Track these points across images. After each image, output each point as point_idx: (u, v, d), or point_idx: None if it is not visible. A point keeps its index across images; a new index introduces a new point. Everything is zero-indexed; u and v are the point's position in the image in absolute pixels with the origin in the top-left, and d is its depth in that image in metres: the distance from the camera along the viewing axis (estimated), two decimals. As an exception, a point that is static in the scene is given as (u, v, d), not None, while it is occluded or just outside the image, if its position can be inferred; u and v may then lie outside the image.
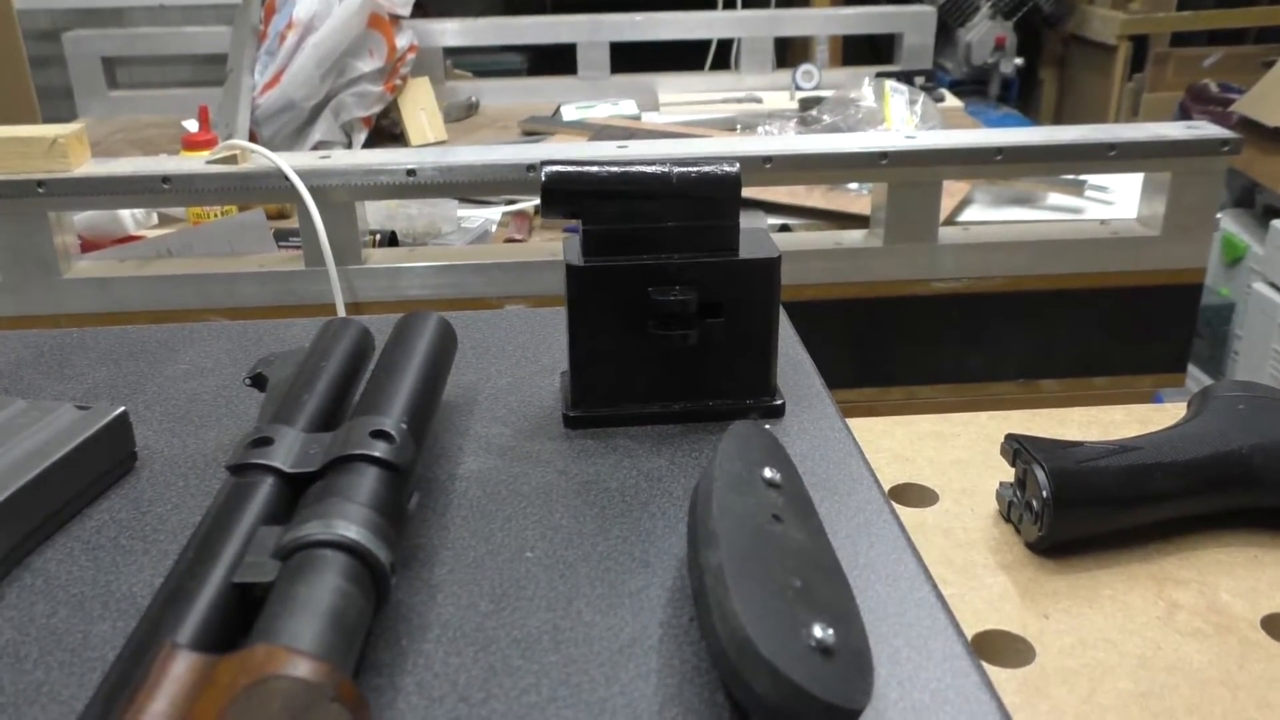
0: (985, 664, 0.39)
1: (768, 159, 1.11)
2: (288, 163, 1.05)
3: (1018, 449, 0.44)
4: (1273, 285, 1.94)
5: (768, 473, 0.35)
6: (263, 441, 0.35)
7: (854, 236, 1.17)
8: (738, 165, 0.42)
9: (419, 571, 0.35)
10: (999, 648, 0.40)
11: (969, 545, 0.44)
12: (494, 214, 1.32)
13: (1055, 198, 1.33)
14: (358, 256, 1.11)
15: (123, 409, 0.40)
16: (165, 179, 1.05)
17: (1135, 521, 0.44)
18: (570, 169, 0.41)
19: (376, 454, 0.34)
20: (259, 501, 0.33)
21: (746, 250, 0.42)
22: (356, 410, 0.37)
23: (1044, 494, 0.42)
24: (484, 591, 0.34)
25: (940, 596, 0.34)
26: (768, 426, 0.43)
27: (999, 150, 1.12)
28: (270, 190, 1.07)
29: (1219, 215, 1.22)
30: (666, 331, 0.42)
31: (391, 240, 1.23)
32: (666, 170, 0.41)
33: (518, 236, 1.27)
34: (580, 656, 0.31)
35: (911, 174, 1.11)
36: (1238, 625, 0.40)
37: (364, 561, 0.30)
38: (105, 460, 0.39)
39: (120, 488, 0.40)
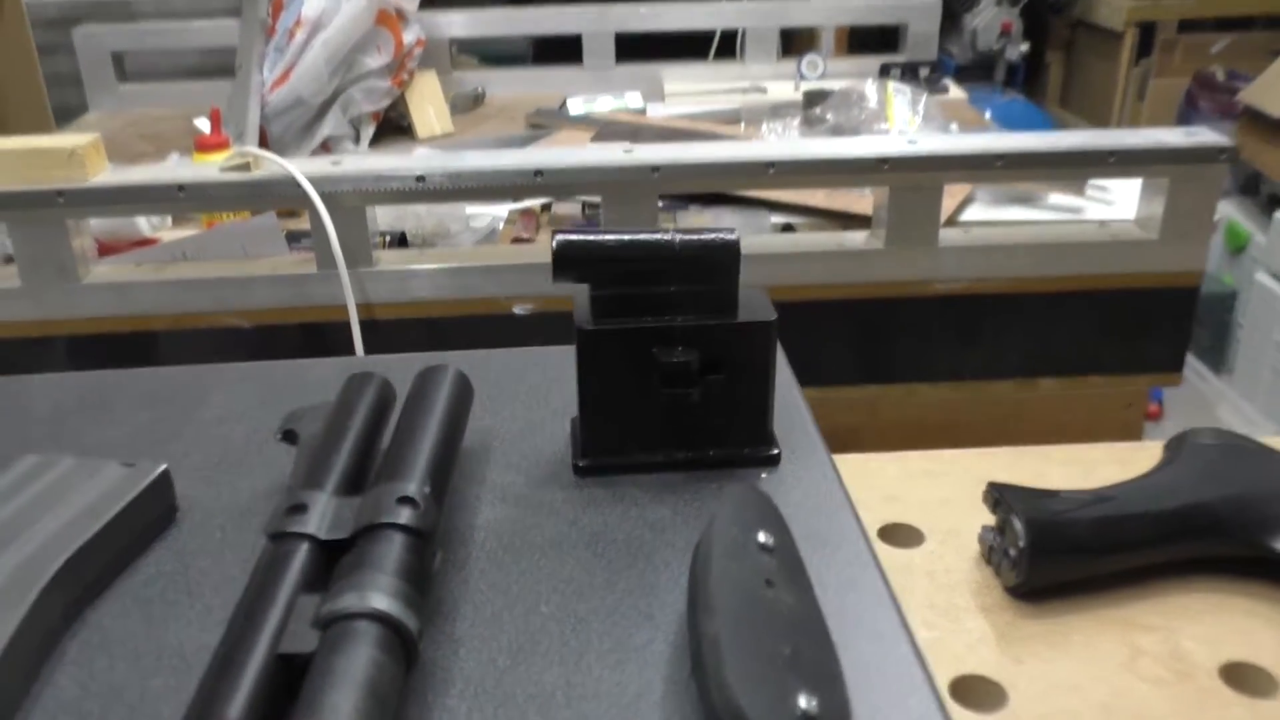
0: (961, 708, 0.42)
1: (770, 164, 1.13)
2: (300, 169, 1.08)
3: (998, 498, 0.47)
4: (1275, 276, 1.96)
5: (762, 537, 0.38)
6: (298, 509, 0.38)
7: (855, 238, 1.20)
8: (737, 233, 0.44)
9: (442, 625, 0.39)
10: (975, 692, 0.43)
11: (951, 588, 0.47)
12: (501, 211, 1.35)
13: (1056, 197, 1.35)
14: (369, 259, 1.13)
15: (164, 467, 0.43)
16: (180, 187, 1.08)
17: (1108, 569, 0.47)
18: (580, 238, 0.44)
19: (402, 521, 0.37)
20: (296, 569, 0.36)
21: (745, 313, 0.45)
22: (382, 473, 0.40)
23: (1021, 543, 0.45)
24: (502, 646, 0.38)
25: (919, 654, 0.37)
26: (764, 475, 0.46)
27: (999, 156, 1.14)
28: (283, 197, 1.10)
29: (1218, 217, 1.24)
30: (671, 389, 0.45)
31: (401, 240, 1.26)
32: (670, 239, 0.44)
33: (525, 235, 1.29)
34: (591, 712, 0.35)
35: (912, 179, 1.14)
36: (1197, 673, 0.43)
37: (395, 631, 0.33)
38: (150, 515, 0.43)
39: (164, 540, 0.43)
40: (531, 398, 0.53)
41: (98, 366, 1.22)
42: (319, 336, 1.14)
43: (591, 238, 0.44)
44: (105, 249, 1.22)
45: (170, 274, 1.15)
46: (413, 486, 0.39)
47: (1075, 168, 1.18)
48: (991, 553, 0.48)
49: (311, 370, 0.56)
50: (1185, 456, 0.50)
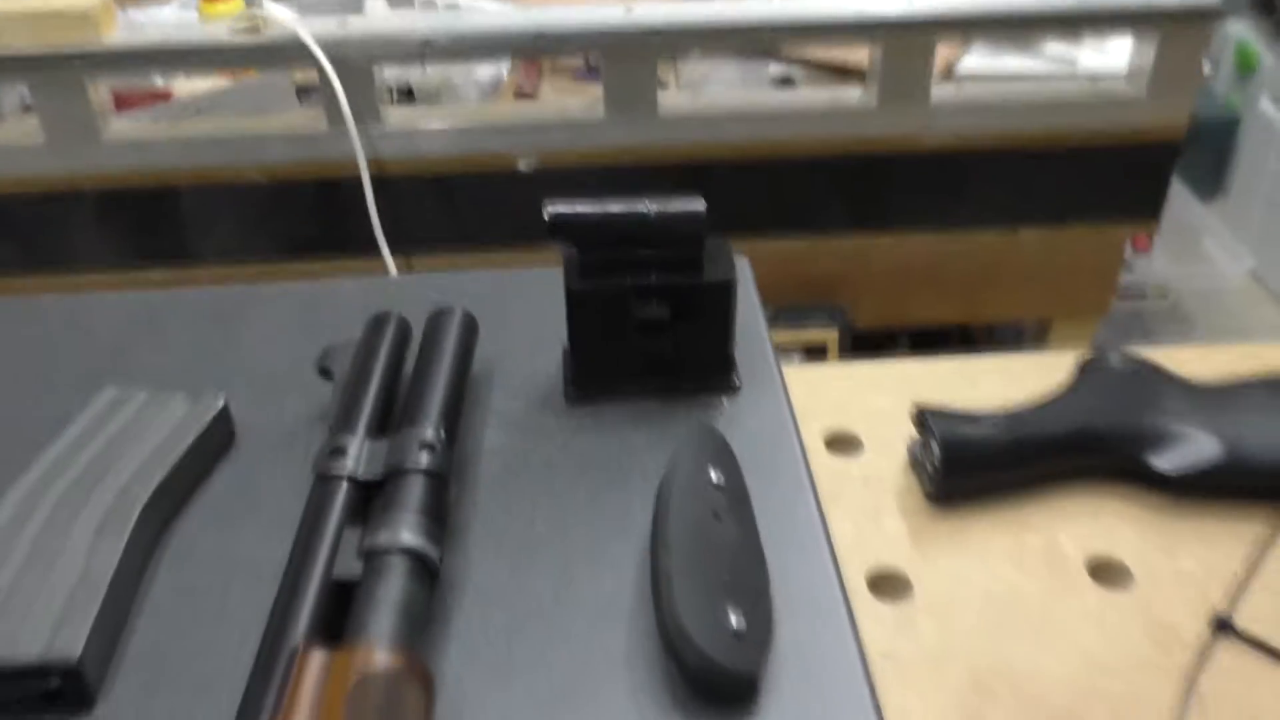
0: (875, 598, 0.53)
1: (768, 27, 1.16)
2: (307, 31, 1.11)
3: (922, 420, 0.56)
4: (1278, 102, 1.95)
5: (713, 475, 0.47)
6: (338, 452, 0.47)
7: (850, 95, 1.23)
8: (702, 204, 0.51)
9: (458, 540, 0.48)
10: (888, 583, 0.53)
11: (880, 493, 0.57)
12: (504, 62, 1.37)
13: (1052, 45, 1.36)
14: (377, 116, 1.18)
15: (224, 400, 0.52)
16: (191, 49, 1.11)
17: (1010, 480, 0.56)
18: (570, 210, 0.51)
19: (423, 466, 0.46)
20: (340, 506, 0.45)
21: (710, 271, 0.52)
22: (403, 417, 0.49)
23: (937, 462, 0.54)
24: (504, 557, 0.47)
25: (838, 571, 0.46)
26: (726, 403, 0.55)
27: (992, 17, 1.16)
28: (292, 58, 1.13)
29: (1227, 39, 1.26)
30: (646, 335, 0.53)
31: (408, 93, 1.30)
32: (646, 211, 0.51)
33: (527, 87, 1.33)
34: (575, 616, 0.45)
35: (905, 39, 1.16)
36: (1068, 566, 0.53)
37: (421, 561, 0.43)
38: (214, 443, 0.52)
39: (226, 462, 0.52)
40: (529, 322, 0.61)
41: (121, 221, 1.29)
42: (333, 192, 1.20)
43: (579, 209, 0.51)
44: (121, 100, 1.26)
45: (187, 131, 1.20)
46: (429, 432, 0.48)
47: (1066, 27, 1.20)
48: (916, 463, 0.57)
49: (337, 291, 0.64)
50: (1090, 381, 0.58)
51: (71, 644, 0.40)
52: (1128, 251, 1.75)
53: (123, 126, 1.19)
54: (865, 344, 1.37)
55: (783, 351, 1.29)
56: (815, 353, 1.29)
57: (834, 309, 1.32)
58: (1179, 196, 1.89)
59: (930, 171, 1.27)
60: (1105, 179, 1.29)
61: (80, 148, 1.15)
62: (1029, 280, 1.37)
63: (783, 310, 1.30)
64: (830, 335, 1.28)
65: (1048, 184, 1.29)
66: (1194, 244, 1.87)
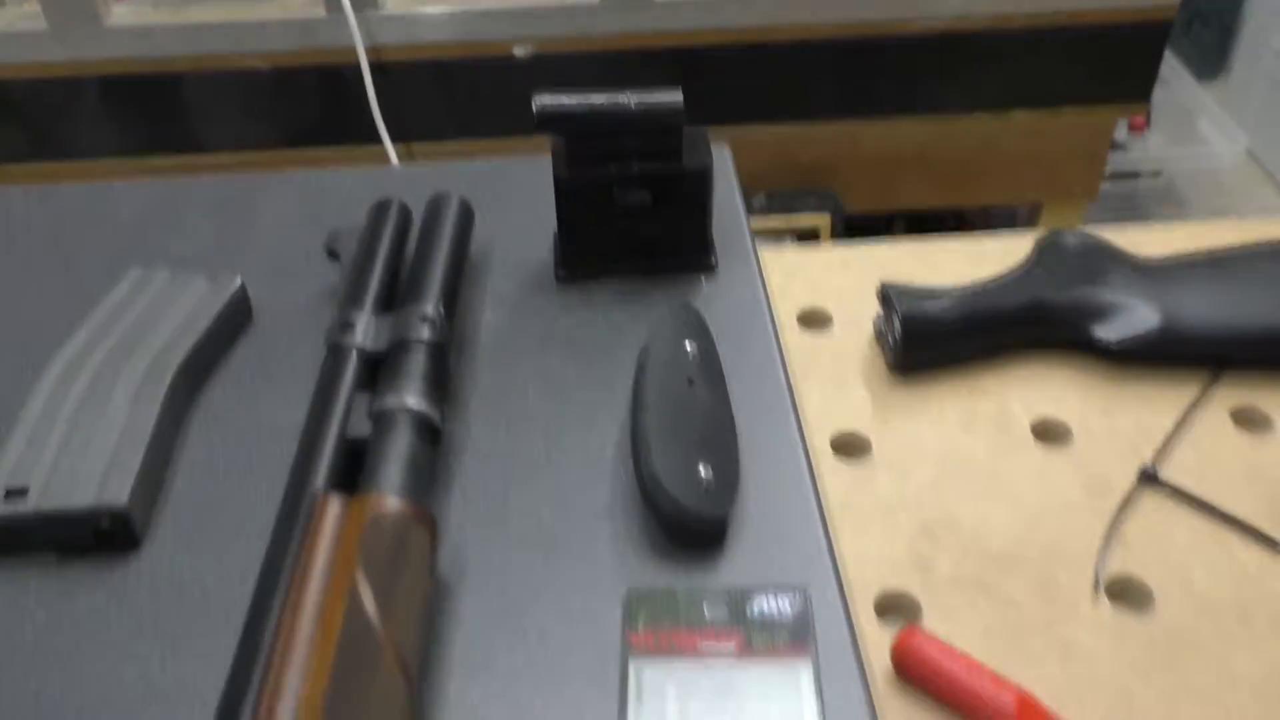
0: (836, 459, 0.58)
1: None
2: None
3: (885, 296, 0.60)
4: (1282, -22, 1.93)
5: (688, 345, 0.52)
6: (347, 326, 0.52)
7: (842, -23, 1.23)
8: (680, 95, 0.54)
9: (459, 406, 0.53)
10: (850, 446, 0.58)
11: (847, 364, 0.62)
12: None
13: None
14: (374, 2, 1.19)
15: (241, 281, 0.57)
16: (188, -65, 1.12)
17: (966, 351, 0.60)
18: (556, 103, 0.54)
19: (424, 337, 0.51)
20: (350, 374, 0.50)
21: (688, 159, 0.56)
22: (406, 295, 0.54)
23: (898, 334, 0.59)
24: (501, 420, 0.53)
25: (800, 430, 0.51)
26: (704, 280, 0.59)
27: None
28: (287, -57, 1.13)
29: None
30: (630, 220, 0.57)
31: (404, -21, 1.29)
32: (628, 103, 0.54)
33: (523, -29, 1.32)
34: (565, 468, 0.50)
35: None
36: (1014, 428, 0.58)
37: (424, 420, 0.48)
38: (234, 319, 0.57)
39: (245, 338, 0.57)
40: (523, 207, 0.65)
41: (124, 108, 1.31)
42: (334, 78, 1.22)
43: (564, 102, 0.54)
44: (119, -12, 1.26)
45: (188, 17, 1.21)
46: (430, 307, 0.52)
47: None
48: (880, 336, 0.62)
49: (343, 178, 0.68)
50: (1045, 258, 0.62)
51: (119, 491, 0.46)
52: (1123, 132, 1.76)
53: (124, 12, 1.20)
54: (858, 229, 1.40)
55: (775, 236, 1.33)
56: (807, 238, 1.32)
57: (826, 194, 1.35)
58: (1176, 76, 1.88)
59: (921, 54, 1.28)
60: (1096, 60, 1.30)
61: (82, 34, 1.17)
62: (1019, 164, 1.40)
63: (775, 195, 1.33)
64: (822, 220, 1.31)
65: (1038, 66, 1.30)
66: (1189, 125, 1.87)
